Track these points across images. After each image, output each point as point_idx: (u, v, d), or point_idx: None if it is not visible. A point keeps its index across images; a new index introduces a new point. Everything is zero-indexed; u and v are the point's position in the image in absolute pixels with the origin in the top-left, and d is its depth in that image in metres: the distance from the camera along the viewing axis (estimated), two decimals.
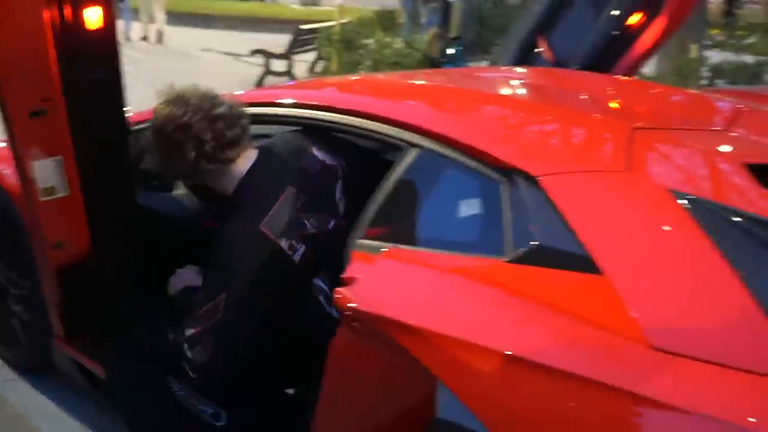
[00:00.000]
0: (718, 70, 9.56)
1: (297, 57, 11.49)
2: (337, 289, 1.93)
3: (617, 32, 3.85)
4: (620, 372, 1.48)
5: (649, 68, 10.22)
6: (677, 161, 1.97)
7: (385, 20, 13.32)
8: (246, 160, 2.38)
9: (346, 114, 2.35)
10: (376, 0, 17.20)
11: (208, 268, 2.27)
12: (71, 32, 2.15)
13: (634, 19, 3.85)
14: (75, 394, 3.12)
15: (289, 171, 2.33)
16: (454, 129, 2.10)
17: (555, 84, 2.84)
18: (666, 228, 1.68)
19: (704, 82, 9.19)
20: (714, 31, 13.75)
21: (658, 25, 3.86)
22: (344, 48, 10.57)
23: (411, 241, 2.06)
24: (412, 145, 2.14)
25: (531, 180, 1.84)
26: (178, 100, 2.34)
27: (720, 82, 9.47)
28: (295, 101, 2.57)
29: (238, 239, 2.21)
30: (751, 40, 15.38)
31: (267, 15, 20.02)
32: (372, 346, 1.89)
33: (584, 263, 1.64)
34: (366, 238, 2.10)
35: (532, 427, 1.56)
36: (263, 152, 2.41)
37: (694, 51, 9.11)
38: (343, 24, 11.16)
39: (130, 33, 15.02)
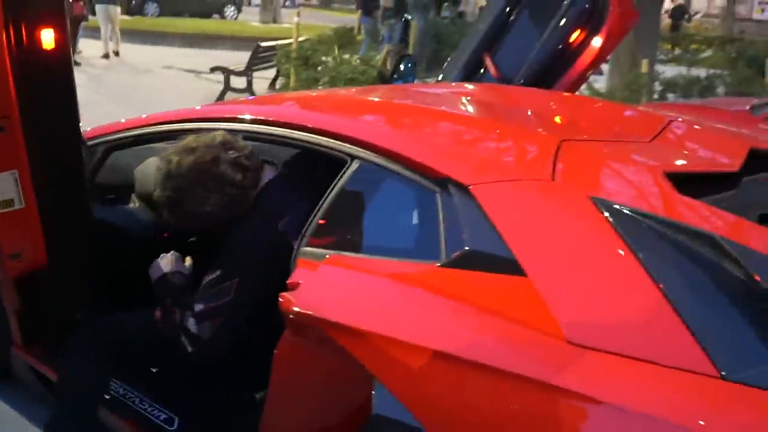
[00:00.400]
0: (671, 84, 9.83)
1: (257, 74, 11.61)
2: (281, 294, 2.04)
3: (558, 50, 4.01)
4: (539, 366, 1.60)
5: (601, 83, 10.50)
6: (600, 171, 2.10)
7: (344, 38, 13.48)
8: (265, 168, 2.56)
9: (290, 128, 2.46)
10: (337, 18, 17.35)
11: (224, 254, 2.39)
12: (26, 53, 2.26)
13: (575, 36, 4.02)
14: (34, 401, 3.17)
15: (306, 185, 2.47)
16: (393, 142, 2.22)
17: (493, 99, 2.98)
18: (585, 233, 1.81)
19: (656, 96, 9.45)
20: (667, 46, 14.10)
21: (598, 42, 4.03)
22: (302, 65, 10.74)
23: (353, 248, 2.17)
24: (353, 157, 2.25)
25: (463, 189, 1.96)
26: (183, 151, 2.49)
27: (672, 96, 9.74)
28: (249, 116, 2.67)
29: (257, 233, 2.38)
30: (706, 54, 15.77)
31: (228, 33, 20.12)
32: (314, 348, 2.00)
33: (511, 266, 1.76)
34: (311, 246, 2.21)
35: (464, 421, 1.66)
36: (285, 166, 2.62)
37: (644, 66, 9.36)
38: (301, 42, 11.31)
39: (78, 48, 14.96)
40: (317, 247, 2.19)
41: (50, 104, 2.38)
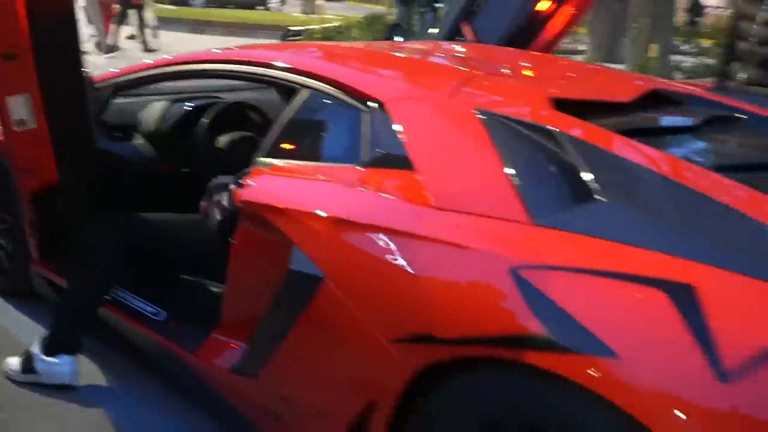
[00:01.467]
0: (678, 69, 10.31)
1: None
2: (233, 188, 2.53)
3: (528, 18, 4.45)
4: (410, 222, 2.09)
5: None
6: (494, 93, 2.55)
7: (374, 24, 13.97)
8: None
9: (259, 66, 2.94)
10: (381, 10, 17.81)
11: None
12: None
13: (544, 6, 4.46)
14: (53, 314, 3.60)
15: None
16: (333, 72, 2.70)
17: (438, 49, 3.44)
18: (462, 133, 2.28)
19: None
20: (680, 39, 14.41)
21: (566, 12, 4.47)
22: None
23: (296, 157, 2.64)
24: (303, 86, 2.72)
25: (380, 104, 2.43)
26: None
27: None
28: (228, 58, 3.15)
29: None
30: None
31: (268, 22, 20.73)
32: (256, 229, 2.48)
33: (405, 163, 2.24)
34: (265, 156, 2.68)
35: (355, 265, 2.15)
36: None
37: (654, 51, 9.73)
38: (327, 27, 11.88)
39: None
40: (270, 157, 2.66)
41: (56, 41, 2.88)
